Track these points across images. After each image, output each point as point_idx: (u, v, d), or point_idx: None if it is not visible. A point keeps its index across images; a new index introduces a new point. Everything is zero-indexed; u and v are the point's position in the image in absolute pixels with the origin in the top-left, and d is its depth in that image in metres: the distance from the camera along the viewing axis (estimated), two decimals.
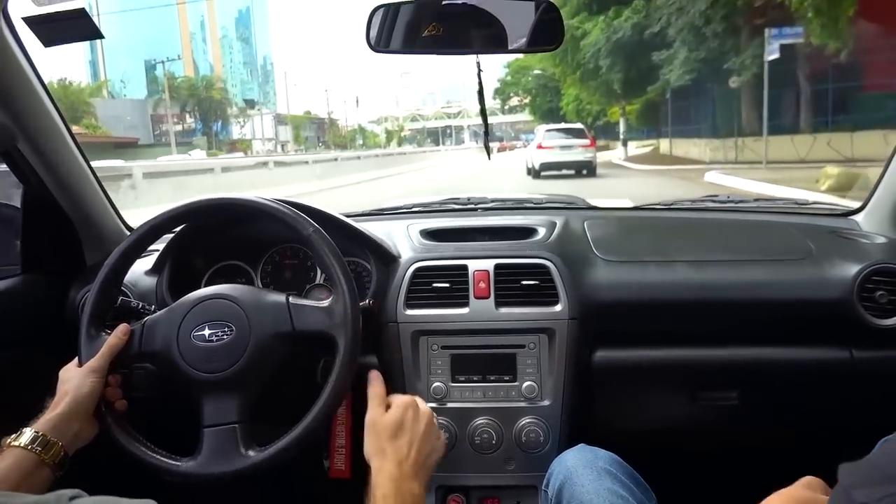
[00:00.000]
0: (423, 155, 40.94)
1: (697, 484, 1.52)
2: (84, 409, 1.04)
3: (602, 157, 23.25)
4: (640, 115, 31.79)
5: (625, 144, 29.12)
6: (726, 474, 1.53)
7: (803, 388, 1.39)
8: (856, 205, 1.62)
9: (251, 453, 1.05)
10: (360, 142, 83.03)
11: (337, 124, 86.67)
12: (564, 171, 18.08)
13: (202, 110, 72.40)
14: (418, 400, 1.10)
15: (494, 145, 49.06)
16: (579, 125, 21.00)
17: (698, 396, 1.42)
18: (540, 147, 18.41)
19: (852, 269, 1.33)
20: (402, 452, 0.99)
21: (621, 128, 30.76)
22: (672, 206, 1.82)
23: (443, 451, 1.10)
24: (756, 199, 1.79)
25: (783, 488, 0.74)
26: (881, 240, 1.43)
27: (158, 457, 1.07)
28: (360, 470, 1.43)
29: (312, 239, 1.13)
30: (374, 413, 1.05)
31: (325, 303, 1.12)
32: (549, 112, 44.86)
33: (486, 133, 1.59)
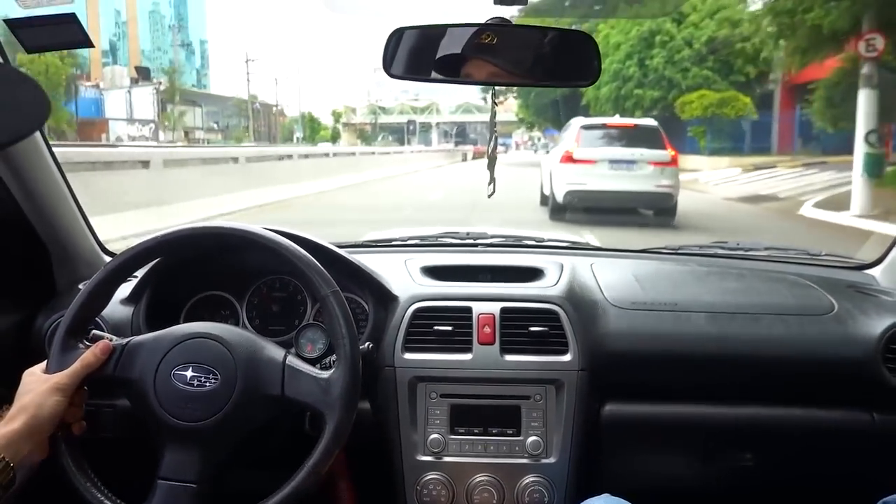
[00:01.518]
0: (373, 160, 24.49)
1: None
2: (41, 430, 0.94)
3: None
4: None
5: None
6: None
7: (822, 452, 1.32)
8: (870, 259, 1.57)
9: None
10: (300, 135, 62.18)
11: (273, 112, 67.11)
12: (616, 207, 9.33)
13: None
14: None
15: (467, 149, 43.08)
16: (650, 121, 10.71)
17: (712, 457, 1.34)
18: (571, 159, 9.44)
19: (877, 328, 1.27)
20: None
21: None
22: (680, 252, 1.76)
23: None
24: (767, 248, 1.73)
25: None
26: None
27: (103, 498, 0.97)
28: None
29: (329, 301, 1.04)
30: None
31: (324, 375, 1.02)
32: (553, 107, 25.90)
33: (492, 164, 1.50)
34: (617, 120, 12.13)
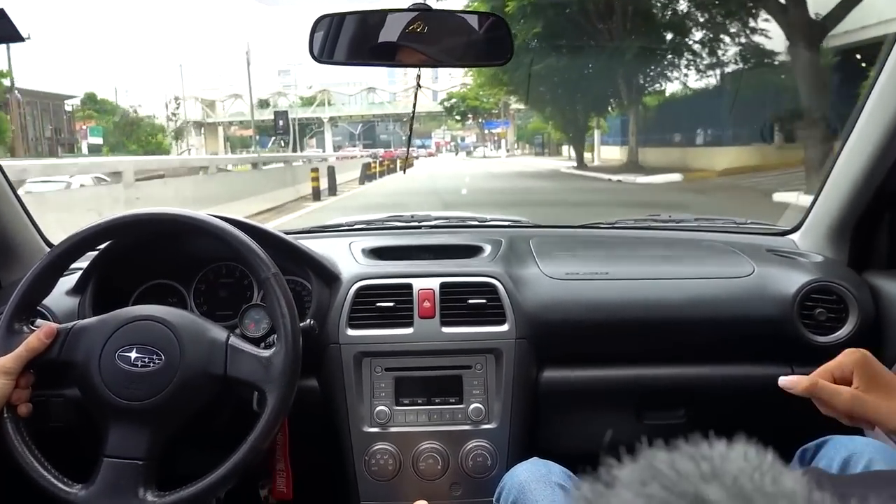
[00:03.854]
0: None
1: None
2: None
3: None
4: None
5: None
6: None
7: (747, 406, 1.40)
8: (791, 224, 1.66)
9: (149, 497, 0.99)
10: (98, 141, 36.87)
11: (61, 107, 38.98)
12: None
13: None
14: None
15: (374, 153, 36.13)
16: None
17: (645, 416, 1.41)
18: None
19: (792, 287, 1.35)
20: None
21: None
22: (615, 225, 1.83)
23: None
24: (696, 219, 1.82)
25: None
26: (818, 258, 1.46)
27: (50, 477, 1.00)
28: (303, 491, 1.38)
29: (270, 283, 1.08)
30: None
31: (266, 353, 1.06)
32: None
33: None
34: None
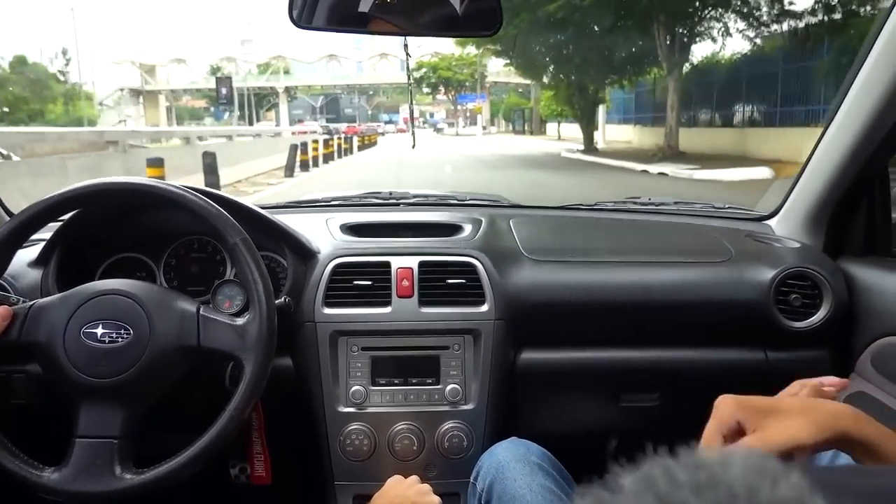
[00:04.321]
0: None
1: None
2: None
3: None
4: None
5: None
6: None
7: (721, 389, 1.40)
8: (770, 209, 1.67)
9: (126, 475, 0.96)
10: None
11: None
12: None
13: None
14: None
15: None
16: None
17: (621, 398, 1.41)
18: None
19: (769, 273, 1.36)
20: None
21: None
22: (595, 207, 1.82)
23: None
24: (676, 202, 1.82)
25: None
26: (794, 244, 1.47)
27: (18, 462, 0.96)
28: (279, 474, 1.35)
29: (238, 249, 1.04)
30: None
31: (239, 321, 1.02)
32: None
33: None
34: None
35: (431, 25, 1.00)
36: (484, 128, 47.75)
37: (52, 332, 0.99)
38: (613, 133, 25.27)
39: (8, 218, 1.49)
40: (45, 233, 1.21)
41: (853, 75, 1.28)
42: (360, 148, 24.74)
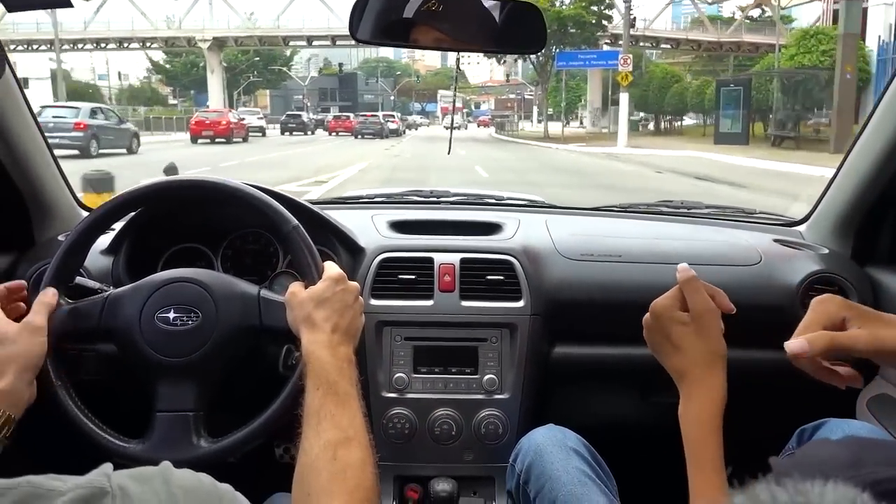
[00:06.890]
0: None
1: (647, 476, 1.59)
2: (33, 374, 0.97)
3: None
4: None
5: None
6: (674, 470, 1.60)
7: (748, 388, 1.45)
8: (798, 216, 1.71)
9: (203, 444, 1.04)
10: None
11: None
12: None
13: None
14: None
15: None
16: None
17: (649, 396, 1.47)
18: None
19: (797, 277, 1.40)
20: (331, 320, 0.98)
21: None
22: (628, 210, 1.88)
23: (363, 322, 1.09)
24: (707, 207, 1.86)
25: None
26: (823, 250, 1.51)
27: (107, 435, 1.04)
28: None
29: (292, 236, 1.11)
30: (295, 286, 1.04)
31: None
32: None
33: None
34: None
35: (479, 41, 1.07)
36: (593, 124, 32.90)
37: (128, 319, 1.08)
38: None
39: (82, 210, 1.61)
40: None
41: (885, 87, 1.31)
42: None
